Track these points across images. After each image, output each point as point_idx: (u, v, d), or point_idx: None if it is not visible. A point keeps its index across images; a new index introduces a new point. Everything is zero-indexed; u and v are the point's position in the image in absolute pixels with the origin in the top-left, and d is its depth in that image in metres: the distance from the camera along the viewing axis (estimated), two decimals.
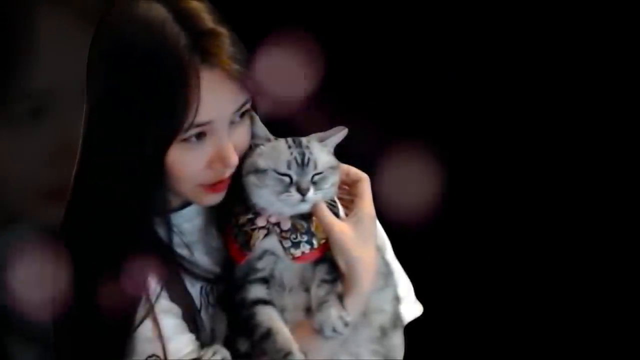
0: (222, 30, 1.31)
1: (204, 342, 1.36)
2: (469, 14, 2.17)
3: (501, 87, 2.20)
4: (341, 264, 1.35)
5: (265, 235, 1.35)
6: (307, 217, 1.36)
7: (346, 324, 1.32)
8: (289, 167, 1.34)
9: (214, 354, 1.32)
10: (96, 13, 1.99)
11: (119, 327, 1.33)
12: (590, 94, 2.19)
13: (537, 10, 2.15)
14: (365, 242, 1.37)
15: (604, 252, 2.22)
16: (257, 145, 1.37)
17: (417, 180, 2.03)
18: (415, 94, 2.19)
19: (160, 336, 1.33)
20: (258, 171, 1.34)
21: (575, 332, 2.23)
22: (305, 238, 1.36)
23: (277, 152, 1.35)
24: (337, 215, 1.38)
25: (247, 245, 1.35)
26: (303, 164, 1.34)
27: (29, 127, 2.01)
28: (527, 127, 2.22)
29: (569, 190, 2.23)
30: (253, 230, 1.35)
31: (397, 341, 1.42)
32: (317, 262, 1.36)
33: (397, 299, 1.43)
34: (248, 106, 1.35)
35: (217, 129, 1.32)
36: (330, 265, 1.36)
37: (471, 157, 2.23)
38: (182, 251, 1.40)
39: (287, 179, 1.34)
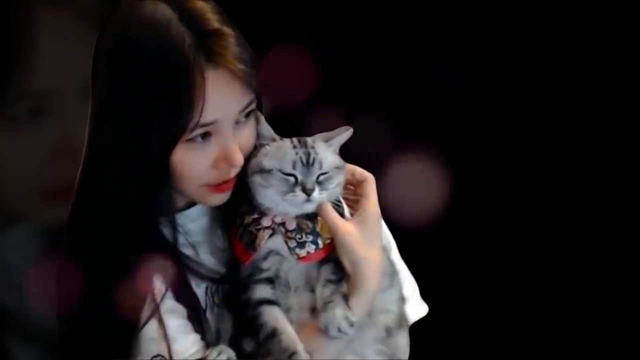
0: (228, 30, 1.31)
1: (209, 342, 1.35)
2: (476, 15, 2.18)
3: (506, 90, 2.21)
4: (346, 264, 1.35)
5: (271, 235, 1.35)
6: (313, 217, 1.36)
7: (351, 324, 1.31)
8: (294, 167, 1.34)
9: (219, 354, 1.31)
10: (96, 13, 2.00)
11: (124, 327, 1.33)
12: (593, 97, 2.20)
13: (541, 12, 2.16)
14: (371, 242, 1.36)
15: (609, 253, 2.22)
16: (262, 145, 1.37)
17: (422, 180, 2.03)
18: (420, 94, 2.20)
19: (165, 336, 1.33)
20: (263, 171, 1.34)
21: (580, 332, 2.23)
22: (310, 238, 1.35)
23: (282, 152, 1.35)
24: (342, 215, 1.38)
25: (252, 245, 1.35)
26: (308, 164, 1.34)
27: (29, 127, 2.01)
28: (532, 129, 2.22)
29: (575, 193, 2.23)
30: (258, 230, 1.35)
31: (403, 341, 1.41)
32: (322, 262, 1.36)
33: (402, 299, 1.43)
34: (253, 106, 1.35)
35: (222, 129, 1.32)
36: (335, 265, 1.36)
37: (477, 158, 2.23)
38: (188, 251, 1.40)
39: (292, 179, 1.33)
